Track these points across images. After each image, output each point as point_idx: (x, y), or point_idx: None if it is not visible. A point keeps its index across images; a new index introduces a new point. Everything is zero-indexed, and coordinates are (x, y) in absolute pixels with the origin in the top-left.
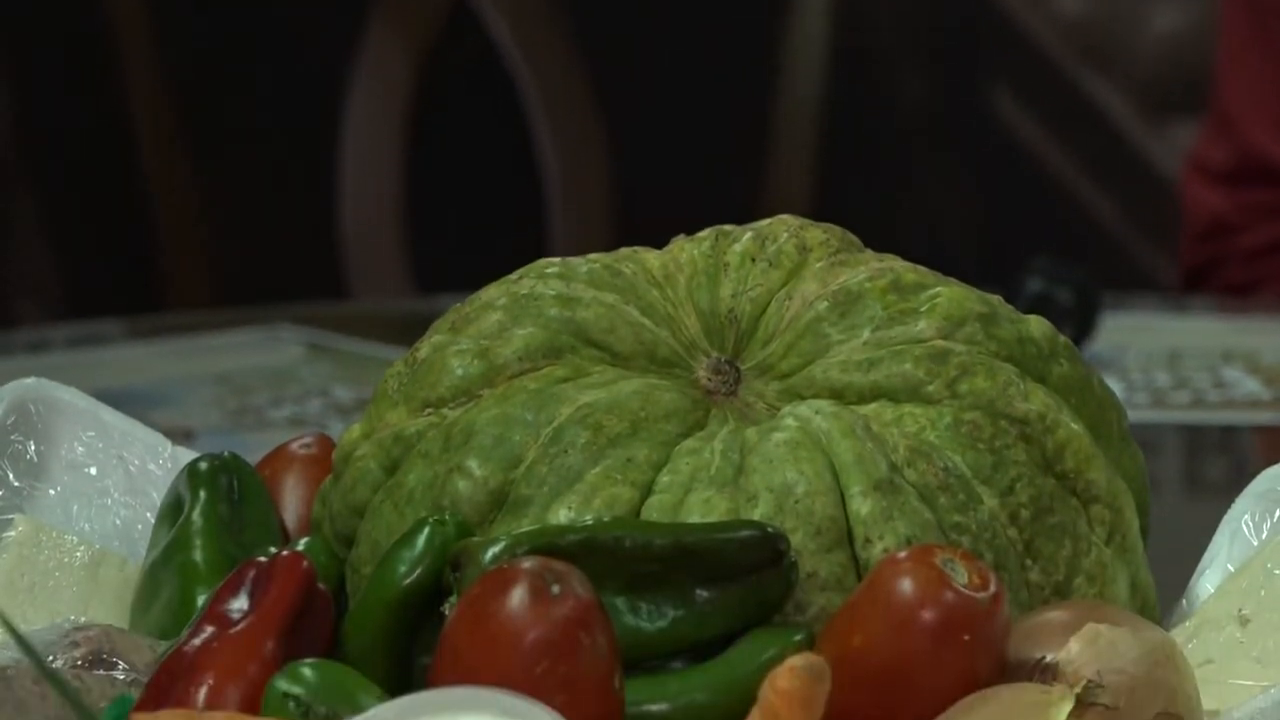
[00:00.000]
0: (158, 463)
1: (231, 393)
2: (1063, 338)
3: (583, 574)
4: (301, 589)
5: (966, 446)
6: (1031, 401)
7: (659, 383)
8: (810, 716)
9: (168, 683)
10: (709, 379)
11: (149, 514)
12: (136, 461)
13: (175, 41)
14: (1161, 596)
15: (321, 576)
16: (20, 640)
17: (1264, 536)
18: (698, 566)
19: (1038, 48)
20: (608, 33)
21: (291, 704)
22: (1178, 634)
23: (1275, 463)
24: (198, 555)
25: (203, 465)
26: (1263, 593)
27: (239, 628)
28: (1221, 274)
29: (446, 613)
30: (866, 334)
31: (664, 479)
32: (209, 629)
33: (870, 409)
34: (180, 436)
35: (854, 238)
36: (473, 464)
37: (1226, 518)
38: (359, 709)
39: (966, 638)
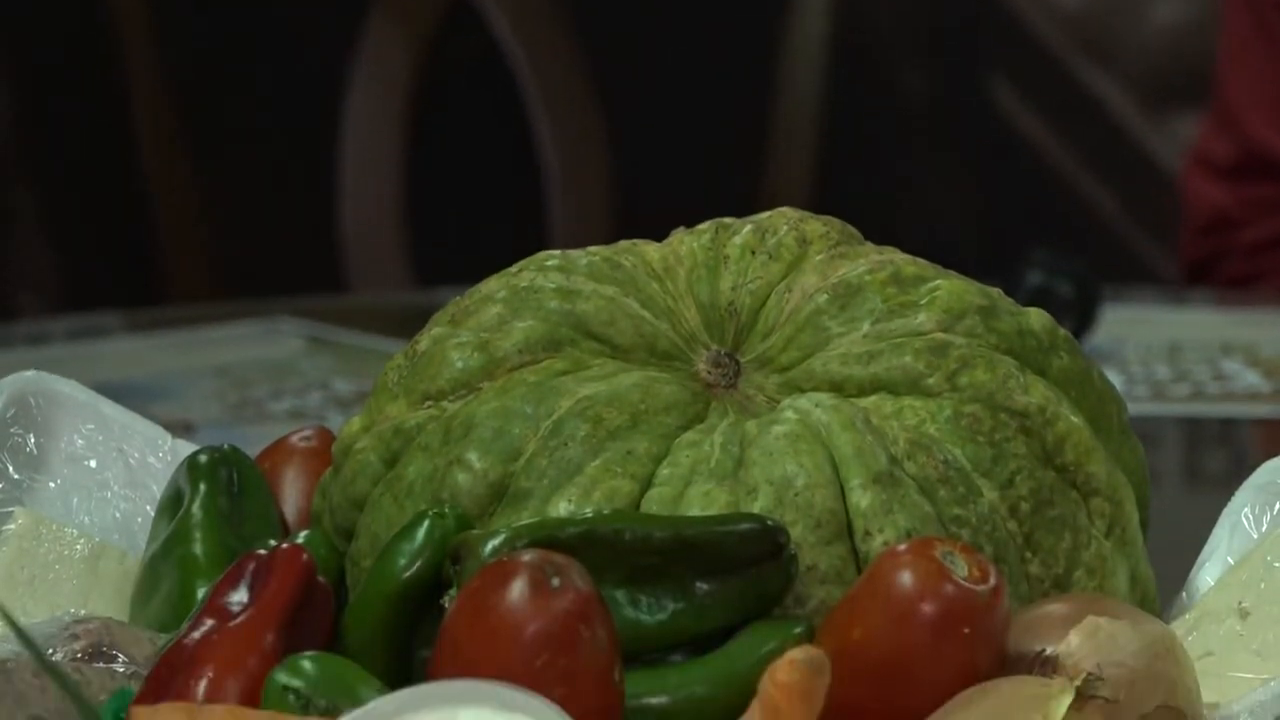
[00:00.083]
0: (157, 456)
1: (231, 386)
2: (1063, 330)
3: (582, 567)
4: (301, 582)
5: (966, 439)
6: (1031, 394)
7: (659, 375)
8: (810, 709)
9: (167, 675)
10: (709, 372)
11: (149, 507)
12: (136, 454)
13: (176, 36)
14: (1161, 589)
15: (321, 569)
16: (20, 633)
17: (1264, 529)
18: (697, 559)
19: (1037, 40)
20: (608, 28)
21: (291, 697)
22: (1178, 627)
23: (1275, 455)
24: (197, 548)
25: (202, 458)
26: (1263, 585)
27: (239, 621)
28: (1223, 268)
29: (446, 605)
30: (866, 327)
31: (664, 472)
32: (209, 622)
33: (870, 402)
34: (180, 429)
35: (854, 230)
36: (472, 457)
37: (1226, 510)
38: (359, 702)
39: (966, 630)
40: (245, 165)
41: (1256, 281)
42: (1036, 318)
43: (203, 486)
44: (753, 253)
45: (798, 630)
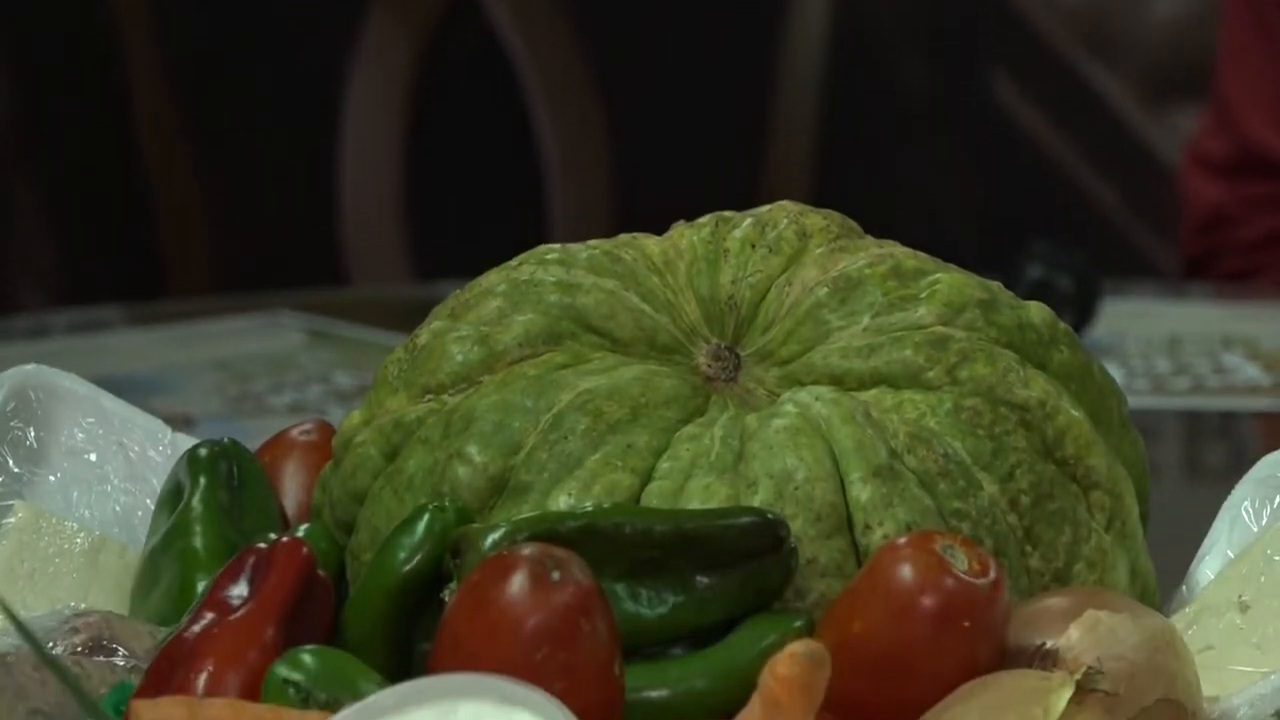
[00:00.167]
0: (158, 449)
1: (231, 379)
2: (1063, 324)
3: (583, 560)
4: (301, 575)
5: (966, 433)
6: (1031, 388)
7: (659, 369)
8: (810, 703)
9: (168, 669)
10: (709, 365)
11: (149, 500)
12: (136, 448)
13: (176, 30)
14: (1161, 583)
15: (321, 563)
16: (20, 627)
17: (1264, 523)
18: (698, 553)
19: (1038, 34)
20: (608, 20)
21: (291, 690)
22: (1178, 620)
23: (1275, 449)
24: (197, 542)
25: (203, 451)
26: (1263, 579)
27: (239, 614)
28: (1220, 265)
29: (446, 599)
30: (866, 320)
31: (664, 465)
32: (209, 615)
33: (870, 395)
34: (180, 423)
35: (854, 224)
36: (473, 450)
37: (1226, 504)
38: (359, 695)
39: (966, 624)
40: (246, 159)
41: (1254, 278)
42: (1037, 311)
43: (203, 480)
44: (753, 246)
45: (798, 624)
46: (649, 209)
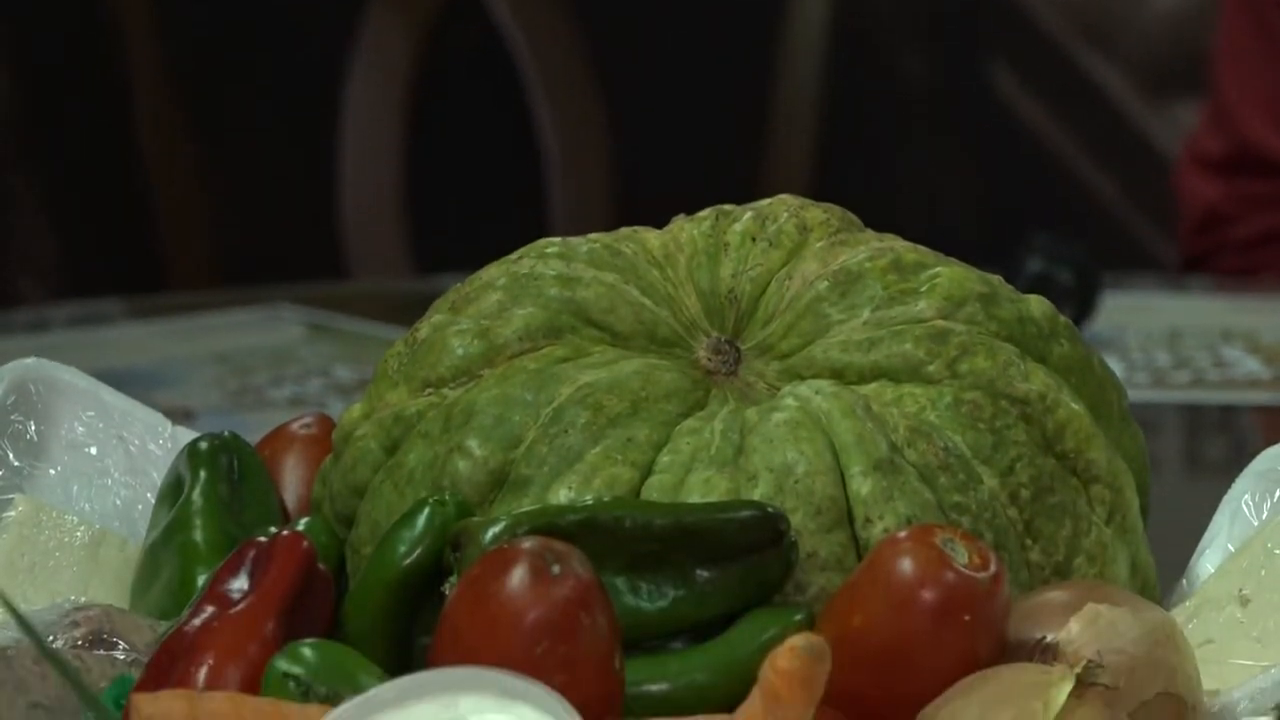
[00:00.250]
0: (158, 443)
1: (232, 373)
2: (1063, 317)
3: (583, 554)
4: (301, 569)
5: (967, 426)
6: (1032, 381)
7: (659, 363)
8: (810, 696)
9: (168, 663)
10: (709, 359)
11: (149, 494)
12: (137, 441)
13: (176, 23)
14: (1162, 576)
15: (321, 556)
16: (20, 620)
17: (1264, 516)
18: (698, 546)
19: (1038, 26)
20: (608, 14)
21: (292, 684)
22: (1178, 614)
23: (1275, 442)
24: (198, 535)
25: (203, 445)
26: (1263, 572)
27: (239, 608)
28: (1218, 264)
29: (447, 593)
30: (867, 314)
31: (664, 459)
32: (209, 609)
33: (870, 389)
34: (180, 416)
35: (854, 217)
36: (473, 444)
37: (1227, 497)
38: (359, 689)
39: (967, 618)
40: (246, 152)
41: (1253, 277)
42: (1037, 305)
43: (203, 473)
44: (753, 240)
45: (798, 617)
46: (649, 203)
